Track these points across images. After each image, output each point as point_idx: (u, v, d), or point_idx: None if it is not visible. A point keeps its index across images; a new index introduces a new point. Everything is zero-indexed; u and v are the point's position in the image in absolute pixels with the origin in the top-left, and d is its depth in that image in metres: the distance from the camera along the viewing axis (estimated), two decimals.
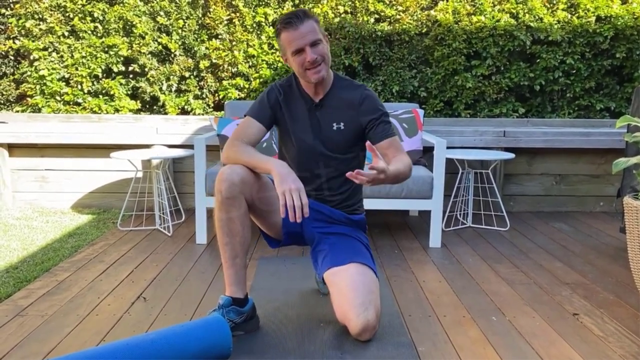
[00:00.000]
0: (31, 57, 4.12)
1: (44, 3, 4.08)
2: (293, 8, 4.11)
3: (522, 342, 1.92)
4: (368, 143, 1.73)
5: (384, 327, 2.00)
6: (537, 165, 4.09)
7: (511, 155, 3.53)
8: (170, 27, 4.11)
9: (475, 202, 3.96)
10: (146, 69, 4.11)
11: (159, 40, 4.11)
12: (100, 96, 4.15)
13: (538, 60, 4.13)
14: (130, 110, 4.16)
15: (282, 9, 4.13)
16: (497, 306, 2.25)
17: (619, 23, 4.06)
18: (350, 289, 1.84)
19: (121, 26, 4.11)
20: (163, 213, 3.54)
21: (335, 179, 2.02)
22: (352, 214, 2.10)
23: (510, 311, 2.20)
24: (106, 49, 4.11)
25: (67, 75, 4.12)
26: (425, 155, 3.60)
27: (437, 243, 3.10)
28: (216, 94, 4.19)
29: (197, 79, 4.18)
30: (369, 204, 2.90)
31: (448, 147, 3.78)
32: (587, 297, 2.36)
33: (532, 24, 4.09)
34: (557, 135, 3.92)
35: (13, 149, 3.99)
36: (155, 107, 4.22)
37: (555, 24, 4.09)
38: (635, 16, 4.08)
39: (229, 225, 1.82)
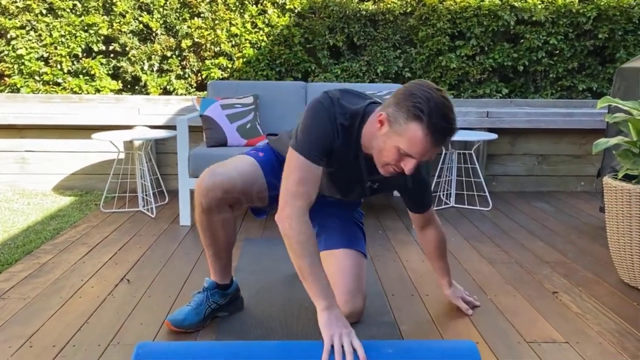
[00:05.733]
0: (8, 36, 4.02)
1: None
2: None
3: (503, 320, 1.95)
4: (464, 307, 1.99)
5: (367, 307, 2.02)
6: (520, 146, 4.12)
7: (494, 136, 3.55)
8: (151, 5, 4.03)
9: (459, 183, 3.98)
10: (127, 49, 4.04)
11: (140, 19, 4.04)
12: (81, 76, 4.08)
13: (522, 40, 4.14)
14: (112, 91, 4.10)
15: None
16: (479, 285, 2.28)
17: (602, 3, 4.07)
18: (340, 276, 1.83)
19: (101, 4, 4.02)
20: (146, 195, 3.52)
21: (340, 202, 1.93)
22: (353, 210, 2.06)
23: (491, 290, 2.23)
24: (86, 28, 4.02)
25: (45, 55, 4.03)
26: None
27: None
28: (199, 74, 4.14)
29: (179, 58, 4.12)
30: None
31: None
32: (566, 276, 2.40)
33: (516, 4, 4.08)
34: (540, 115, 3.95)
35: None
36: (137, 88, 4.15)
37: (539, 4, 4.09)
38: None
39: (211, 231, 1.76)
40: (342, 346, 1.37)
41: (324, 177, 1.64)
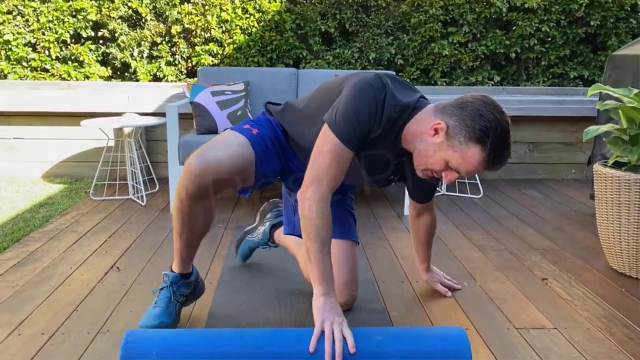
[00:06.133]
0: None
1: None
2: None
3: (493, 306, 1.96)
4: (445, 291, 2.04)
5: (358, 294, 2.02)
6: (512, 133, 4.11)
7: None
8: None
9: None
10: (116, 35, 3.99)
11: (129, 4, 3.98)
12: (69, 62, 4.03)
13: (514, 27, 4.12)
14: (101, 77, 4.05)
15: None
16: (469, 272, 2.29)
17: None
18: (337, 267, 1.79)
19: None
20: (136, 182, 3.50)
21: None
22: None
23: (481, 277, 2.24)
24: (74, 13, 3.96)
25: (33, 41, 3.97)
26: None
27: None
28: (189, 60, 4.10)
29: (169, 44, 4.07)
30: None
31: None
32: (556, 263, 2.42)
33: None
34: (532, 103, 3.95)
35: None
36: (126, 74, 4.11)
37: None
38: None
39: (191, 218, 1.64)
40: (333, 333, 1.36)
41: (362, 163, 1.61)
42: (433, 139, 1.44)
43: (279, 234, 2.13)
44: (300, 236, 1.93)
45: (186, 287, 1.80)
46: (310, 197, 1.45)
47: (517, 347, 1.68)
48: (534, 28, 4.09)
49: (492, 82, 4.19)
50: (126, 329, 1.74)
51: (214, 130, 3.27)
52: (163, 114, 3.80)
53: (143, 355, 1.34)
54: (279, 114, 1.76)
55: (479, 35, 4.13)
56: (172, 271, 1.78)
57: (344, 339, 1.35)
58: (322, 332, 1.37)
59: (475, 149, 1.38)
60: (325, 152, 1.46)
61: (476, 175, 3.66)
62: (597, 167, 2.30)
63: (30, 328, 1.75)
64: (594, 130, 2.24)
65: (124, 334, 1.67)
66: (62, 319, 1.82)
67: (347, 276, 1.83)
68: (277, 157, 1.72)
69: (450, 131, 1.40)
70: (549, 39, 4.16)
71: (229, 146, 1.61)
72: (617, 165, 2.30)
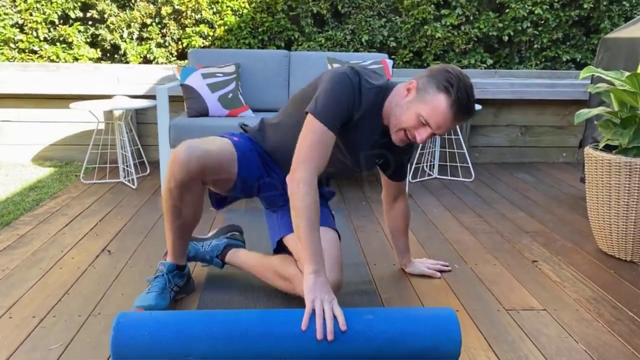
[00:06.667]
0: None
1: None
2: None
3: (483, 288, 1.98)
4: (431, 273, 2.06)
5: (349, 276, 2.03)
6: (503, 117, 4.13)
7: (478, 107, 3.54)
8: None
9: (442, 154, 3.99)
10: (105, 15, 3.93)
11: None
12: (58, 44, 3.97)
13: (507, 10, 4.10)
14: (90, 59, 4.00)
15: None
16: (460, 254, 2.31)
17: None
18: (325, 247, 1.79)
19: None
20: (127, 166, 3.47)
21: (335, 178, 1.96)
22: (326, 187, 2.02)
23: (472, 259, 2.26)
24: None
25: (20, 21, 3.91)
26: None
27: None
28: (179, 42, 4.05)
29: (160, 26, 4.02)
30: None
31: None
32: (546, 245, 2.44)
33: None
34: (524, 86, 3.94)
35: None
36: (116, 56, 4.06)
37: None
38: None
39: (180, 208, 1.68)
40: (324, 311, 1.37)
41: (334, 148, 1.66)
42: (406, 98, 1.58)
43: (235, 255, 1.97)
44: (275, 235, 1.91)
45: (180, 278, 1.83)
46: (299, 177, 1.51)
47: (506, 328, 1.70)
48: (527, 11, 4.07)
49: (485, 65, 4.17)
50: (117, 312, 1.74)
51: (204, 113, 3.25)
52: (153, 97, 3.77)
53: (135, 336, 1.34)
54: (257, 132, 1.86)
55: (472, 18, 4.10)
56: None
57: (335, 318, 1.36)
58: (314, 311, 1.37)
59: (442, 97, 1.52)
60: (310, 136, 1.55)
61: (468, 158, 3.67)
62: (588, 150, 2.31)
63: (21, 311, 1.75)
64: (585, 113, 2.24)
65: (115, 316, 1.68)
66: (53, 302, 1.82)
67: (336, 255, 1.81)
68: (257, 165, 1.77)
69: (420, 86, 1.56)
70: (542, 22, 4.15)
71: (214, 141, 1.71)
72: (608, 148, 2.31)
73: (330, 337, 1.33)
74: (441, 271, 2.11)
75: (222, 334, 1.36)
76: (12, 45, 3.93)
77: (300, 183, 1.51)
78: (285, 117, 1.77)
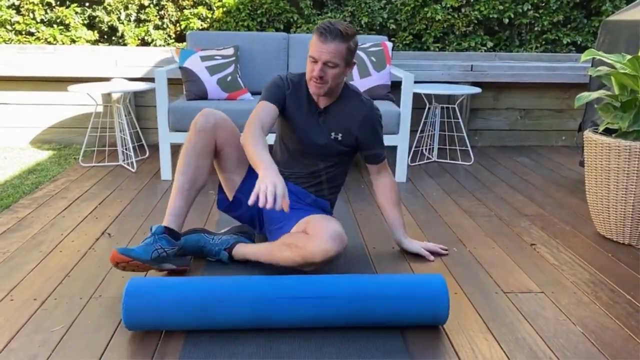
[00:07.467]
0: None
1: None
2: None
3: (482, 271, 1.99)
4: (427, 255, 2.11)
5: (348, 259, 2.04)
6: (503, 100, 4.11)
7: (477, 90, 3.53)
8: None
9: (441, 137, 3.99)
10: None
11: None
12: (55, 26, 3.93)
13: None
14: (88, 41, 3.97)
15: None
16: (459, 238, 2.32)
17: None
18: (321, 222, 1.79)
19: None
20: (126, 149, 3.47)
21: (321, 175, 2.04)
22: (320, 198, 2.06)
23: (470, 242, 2.27)
24: None
25: (17, 3, 3.87)
26: (392, 90, 3.57)
27: (402, 178, 3.14)
28: (177, 24, 4.02)
29: (157, 7, 3.98)
30: None
31: (416, 82, 3.76)
32: (544, 228, 2.45)
33: None
34: (524, 69, 3.92)
35: None
36: (113, 38, 4.03)
37: None
38: None
39: (193, 154, 1.91)
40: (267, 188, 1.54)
41: (294, 129, 1.97)
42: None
43: (242, 247, 2.00)
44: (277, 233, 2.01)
45: (168, 243, 1.83)
46: (246, 131, 1.81)
47: (504, 310, 1.71)
48: None
49: (485, 48, 4.15)
50: (118, 295, 1.75)
51: (203, 96, 3.23)
52: (152, 79, 3.75)
53: (143, 295, 1.50)
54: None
55: (472, 0, 4.07)
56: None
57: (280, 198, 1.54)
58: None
59: (313, 35, 1.85)
60: (254, 111, 1.91)
61: (467, 142, 3.66)
62: (588, 133, 2.30)
63: (22, 294, 1.76)
64: (585, 96, 2.23)
65: (116, 298, 1.71)
66: (54, 284, 1.83)
67: (334, 226, 1.79)
68: None
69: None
70: (543, 4, 4.11)
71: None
72: (608, 132, 2.31)
73: (269, 206, 1.51)
74: (439, 254, 2.12)
75: (226, 295, 1.52)
76: (8, 27, 3.90)
77: (248, 130, 1.80)
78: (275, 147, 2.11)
